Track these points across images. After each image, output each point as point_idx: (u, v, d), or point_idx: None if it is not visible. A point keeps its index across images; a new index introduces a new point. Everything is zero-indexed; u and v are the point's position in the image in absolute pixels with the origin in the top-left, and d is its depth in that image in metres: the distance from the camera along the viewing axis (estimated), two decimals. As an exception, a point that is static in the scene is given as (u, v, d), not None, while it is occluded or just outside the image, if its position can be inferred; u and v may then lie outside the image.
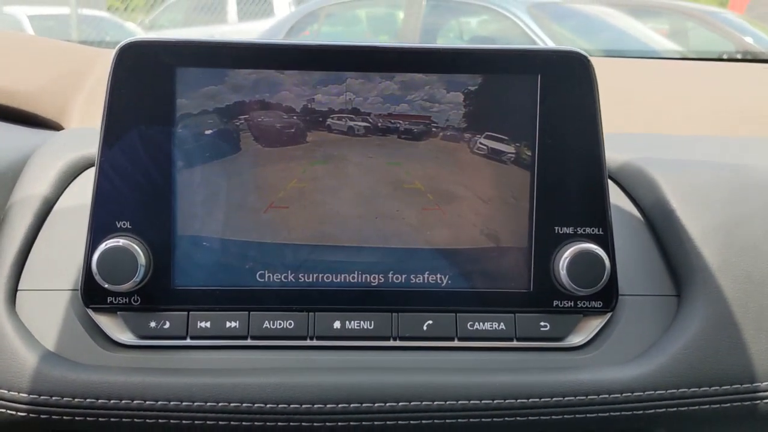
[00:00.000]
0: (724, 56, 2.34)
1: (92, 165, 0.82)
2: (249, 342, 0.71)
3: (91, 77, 1.14)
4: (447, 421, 0.69)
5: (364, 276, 0.72)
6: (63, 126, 1.07)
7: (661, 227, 0.78)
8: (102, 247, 0.68)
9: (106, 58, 1.17)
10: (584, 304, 0.72)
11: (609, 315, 0.73)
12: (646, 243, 0.78)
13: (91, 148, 0.84)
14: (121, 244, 0.68)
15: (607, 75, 0.85)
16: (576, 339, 0.73)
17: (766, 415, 0.72)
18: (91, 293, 0.70)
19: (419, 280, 0.72)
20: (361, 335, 0.72)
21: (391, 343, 0.72)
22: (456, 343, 0.72)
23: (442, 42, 3.97)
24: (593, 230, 0.72)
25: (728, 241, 0.75)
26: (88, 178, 0.82)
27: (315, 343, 0.72)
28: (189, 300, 0.71)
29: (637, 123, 1.13)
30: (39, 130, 1.02)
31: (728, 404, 0.71)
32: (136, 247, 0.69)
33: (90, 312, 0.71)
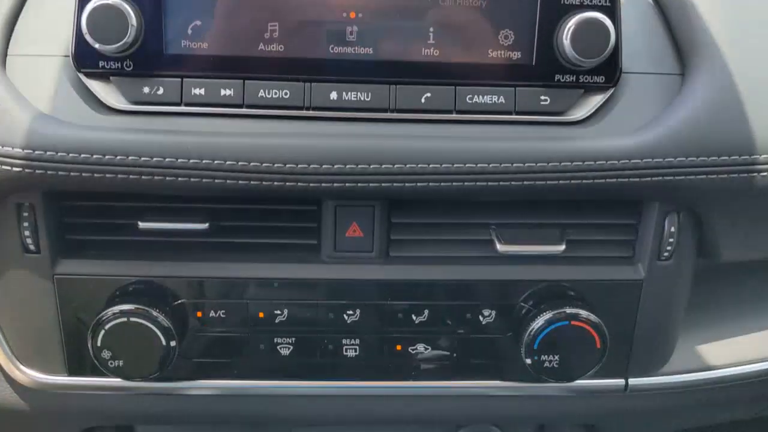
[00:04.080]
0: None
1: None
2: (244, 111, 0.70)
3: None
4: (442, 184, 0.69)
5: (361, 48, 0.70)
6: None
7: (668, 3, 0.75)
8: (91, 5, 0.66)
9: None
10: (586, 78, 0.71)
11: (611, 90, 0.72)
12: (653, 22, 0.76)
13: None
14: (110, 2, 0.67)
15: None
16: (577, 113, 0.72)
17: (763, 189, 0.72)
18: (83, 55, 0.68)
19: (418, 51, 0.70)
20: (358, 107, 0.71)
21: (389, 115, 0.71)
22: (454, 116, 0.71)
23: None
24: (601, 0, 0.70)
25: (735, 18, 0.73)
26: None
27: (311, 113, 0.71)
28: (182, 66, 0.69)
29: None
30: None
31: (726, 175, 0.71)
32: (127, 7, 0.67)
33: (82, 77, 0.70)
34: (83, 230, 0.75)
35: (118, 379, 0.78)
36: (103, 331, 0.72)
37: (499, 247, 0.75)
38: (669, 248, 0.76)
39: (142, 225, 0.73)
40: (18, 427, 0.87)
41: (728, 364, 0.84)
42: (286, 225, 0.76)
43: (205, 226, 0.73)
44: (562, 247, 0.76)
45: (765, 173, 0.71)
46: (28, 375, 0.79)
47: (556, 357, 0.76)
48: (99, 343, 0.73)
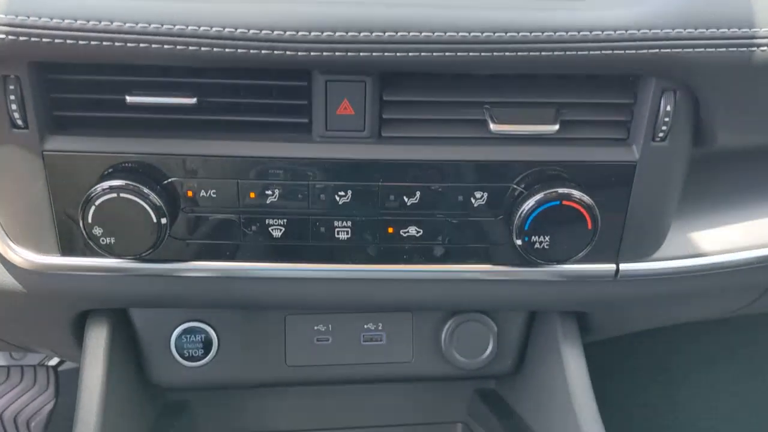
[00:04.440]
0: None
1: None
2: None
3: None
4: (434, 54, 0.67)
5: None
6: None
7: None
8: None
9: None
10: None
11: None
12: None
13: None
14: None
15: None
16: None
17: (761, 66, 0.71)
18: None
19: None
20: None
21: None
22: None
23: None
24: None
25: None
26: None
27: None
28: None
29: None
30: None
31: (724, 49, 0.69)
32: None
33: None
34: (71, 106, 0.74)
35: (111, 261, 0.79)
36: (93, 207, 0.72)
37: (492, 126, 0.74)
38: (664, 128, 0.75)
39: (129, 99, 0.72)
40: (16, 311, 0.88)
41: (719, 252, 0.85)
42: (276, 102, 0.75)
43: (193, 101, 0.72)
44: (556, 127, 0.75)
45: (764, 47, 0.70)
46: (22, 255, 0.79)
47: (547, 238, 0.76)
48: (90, 220, 0.73)
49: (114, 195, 0.72)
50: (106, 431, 0.82)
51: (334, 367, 0.98)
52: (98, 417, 0.82)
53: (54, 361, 1.69)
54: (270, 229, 0.79)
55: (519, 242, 0.77)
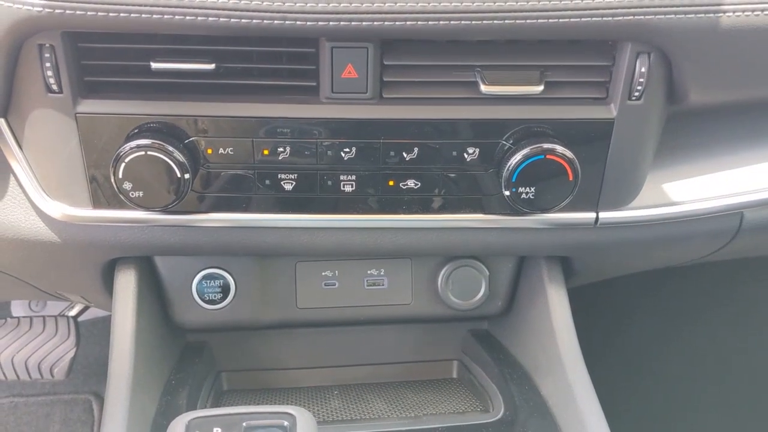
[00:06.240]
0: None
1: None
2: None
3: None
4: (429, 23, 0.74)
5: None
6: None
7: None
8: None
9: None
10: None
11: None
12: None
13: None
14: None
15: None
16: None
17: (727, 31, 0.78)
18: None
19: None
20: None
21: None
22: None
23: None
24: None
25: None
26: None
27: None
28: None
29: None
30: None
31: (693, 15, 0.76)
32: None
33: None
34: (100, 72, 0.81)
35: (138, 212, 0.87)
36: (123, 164, 0.80)
37: (483, 88, 0.81)
38: (639, 88, 0.83)
39: (154, 66, 0.79)
40: (51, 259, 0.96)
41: (689, 201, 0.93)
42: (286, 67, 0.82)
43: (211, 66, 0.79)
44: (541, 88, 0.82)
45: (730, 14, 0.77)
46: (57, 208, 0.88)
47: (532, 189, 0.84)
48: (120, 175, 0.81)
49: (142, 153, 0.80)
50: (138, 366, 0.91)
51: (341, 309, 1.07)
52: (130, 353, 0.91)
53: (74, 312, 1.78)
54: (282, 183, 0.87)
55: (507, 193, 0.85)
